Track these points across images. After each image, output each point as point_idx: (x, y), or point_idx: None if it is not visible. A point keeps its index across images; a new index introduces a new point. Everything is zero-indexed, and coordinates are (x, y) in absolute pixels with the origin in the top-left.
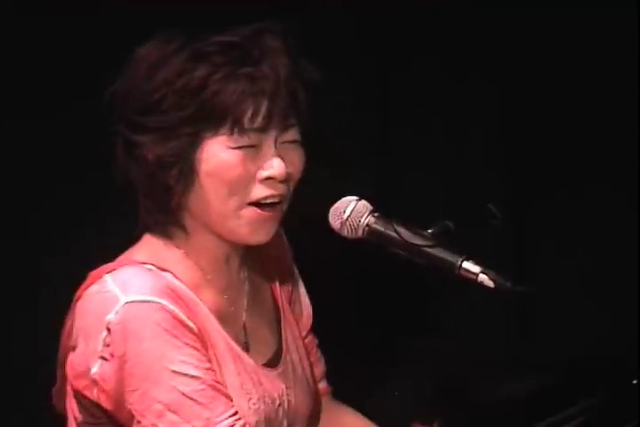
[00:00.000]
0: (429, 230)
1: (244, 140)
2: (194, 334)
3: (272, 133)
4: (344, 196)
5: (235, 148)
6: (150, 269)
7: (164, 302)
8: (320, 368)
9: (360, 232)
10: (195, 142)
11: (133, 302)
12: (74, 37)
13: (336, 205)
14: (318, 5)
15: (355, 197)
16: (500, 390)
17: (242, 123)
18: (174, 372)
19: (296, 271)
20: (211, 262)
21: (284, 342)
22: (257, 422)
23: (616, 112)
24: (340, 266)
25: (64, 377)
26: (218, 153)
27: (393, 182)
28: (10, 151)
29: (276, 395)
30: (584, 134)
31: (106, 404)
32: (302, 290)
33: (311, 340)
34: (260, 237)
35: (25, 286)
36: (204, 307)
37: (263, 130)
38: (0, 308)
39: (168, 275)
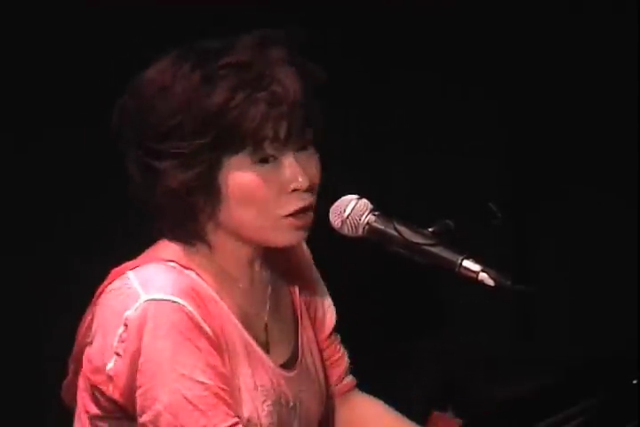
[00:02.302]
0: (430, 229)
1: (265, 159)
2: (209, 338)
3: (290, 148)
4: (344, 194)
5: (256, 165)
6: (174, 267)
7: (183, 302)
8: (344, 364)
9: (360, 231)
10: (216, 165)
11: (153, 300)
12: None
13: (336, 203)
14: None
15: (355, 196)
16: (499, 389)
17: (263, 147)
18: (181, 375)
19: (316, 273)
20: (235, 264)
21: (299, 345)
22: (270, 423)
23: (616, 113)
24: (340, 266)
25: (77, 371)
26: (240, 174)
27: (392, 182)
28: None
29: (290, 397)
30: (584, 134)
31: (120, 399)
32: (324, 291)
33: (335, 338)
34: (295, 240)
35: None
36: (225, 307)
37: (284, 145)
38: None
39: (192, 273)
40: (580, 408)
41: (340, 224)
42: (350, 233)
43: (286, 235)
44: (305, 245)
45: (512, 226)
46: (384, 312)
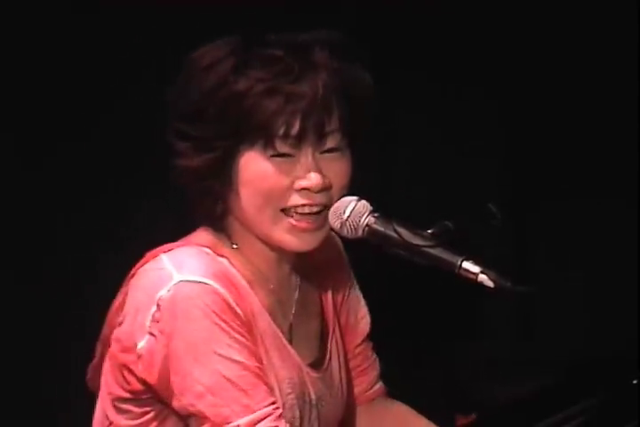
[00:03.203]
0: (429, 230)
1: (280, 151)
2: (241, 320)
3: (308, 145)
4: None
5: (271, 156)
6: (207, 253)
7: (216, 285)
8: (375, 372)
9: (360, 232)
10: (232, 153)
11: (187, 282)
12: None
13: (336, 205)
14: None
15: (355, 197)
16: (500, 390)
17: (273, 140)
18: (219, 355)
19: (352, 278)
20: (263, 262)
21: (328, 351)
22: (292, 417)
23: (616, 113)
24: None
25: (103, 354)
26: (253, 163)
27: (392, 182)
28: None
29: (314, 396)
30: (584, 134)
31: (150, 379)
32: (359, 299)
33: (367, 345)
34: (300, 245)
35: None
36: (255, 297)
37: (297, 144)
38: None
39: (225, 261)
40: (579, 408)
41: (339, 226)
42: (350, 235)
43: (286, 235)
44: (342, 251)
45: (512, 226)
46: (382, 313)
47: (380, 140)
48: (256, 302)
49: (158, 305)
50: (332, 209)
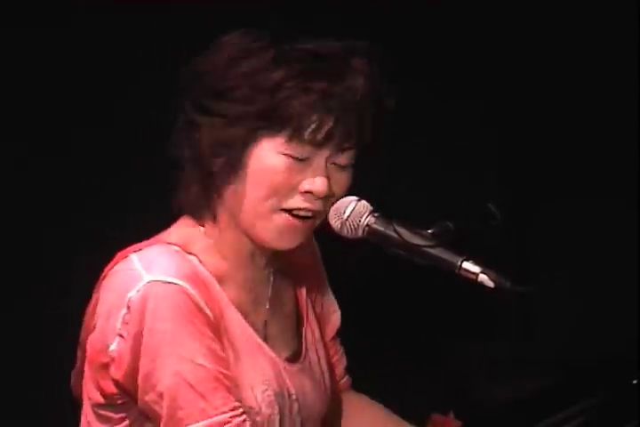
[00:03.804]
0: (429, 230)
1: (298, 151)
2: (209, 322)
3: (326, 151)
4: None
5: (286, 154)
6: (177, 251)
7: (186, 285)
8: (343, 365)
9: (360, 232)
10: (251, 137)
11: (156, 282)
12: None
13: (336, 205)
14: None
15: (355, 198)
16: (500, 390)
17: (302, 134)
18: (182, 357)
19: (324, 275)
20: (236, 256)
21: (303, 343)
22: (270, 414)
23: (616, 115)
24: (340, 265)
25: (83, 359)
26: (269, 155)
27: (392, 183)
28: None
29: (293, 390)
30: (584, 134)
31: (123, 381)
32: (329, 292)
33: (337, 340)
34: (284, 243)
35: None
36: (225, 296)
37: (320, 146)
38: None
39: (194, 259)
40: (579, 408)
41: (339, 226)
42: (350, 235)
43: (273, 232)
44: (317, 249)
45: (512, 227)
46: (383, 313)
47: (378, 139)
48: (225, 301)
49: (128, 307)
50: (332, 209)
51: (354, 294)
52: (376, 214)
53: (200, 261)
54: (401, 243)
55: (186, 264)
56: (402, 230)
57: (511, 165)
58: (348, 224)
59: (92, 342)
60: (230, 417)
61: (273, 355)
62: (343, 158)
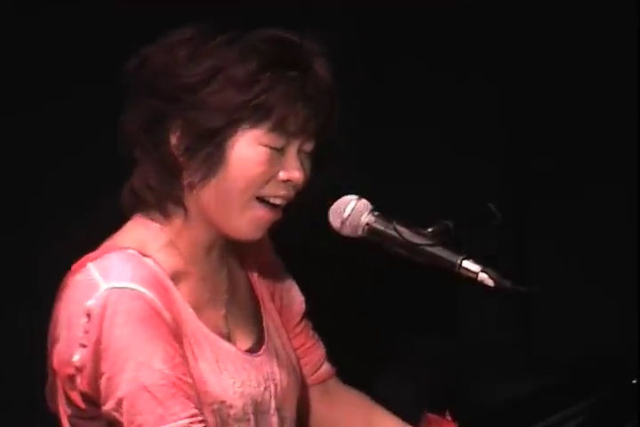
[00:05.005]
0: (429, 229)
1: (276, 141)
2: (168, 326)
3: (298, 140)
4: (344, 195)
5: (266, 145)
6: (133, 255)
7: (143, 289)
8: (320, 351)
9: (360, 231)
10: (230, 130)
11: (113, 289)
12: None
13: (336, 204)
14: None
15: (355, 196)
16: (500, 389)
17: (284, 124)
18: (140, 362)
19: (279, 262)
20: (193, 251)
21: (265, 330)
22: (244, 404)
23: (616, 111)
24: (340, 264)
25: (54, 371)
26: (249, 147)
27: (392, 182)
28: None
29: (261, 378)
30: (584, 134)
31: (89, 391)
32: (289, 279)
33: (306, 324)
34: (255, 234)
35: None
36: (180, 296)
37: (297, 134)
38: None
39: (150, 261)
40: (579, 408)
41: (339, 224)
42: (350, 233)
43: (248, 224)
44: (268, 239)
45: (512, 227)
46: (382, 312)
47: (379, 140)
48: (180, 301)
49: (88, 315)
50: (332, 208)
51: (350, 292)
52: (376, 213)
53: (156, 263)
54: (401, 242)
55: (142, 268)
56: (402, 229)
57: (511, 165)
58: (348, 223)
59: (57, 353)
60: (189, 423)
61: (232, 349)
62: (309, 145)
